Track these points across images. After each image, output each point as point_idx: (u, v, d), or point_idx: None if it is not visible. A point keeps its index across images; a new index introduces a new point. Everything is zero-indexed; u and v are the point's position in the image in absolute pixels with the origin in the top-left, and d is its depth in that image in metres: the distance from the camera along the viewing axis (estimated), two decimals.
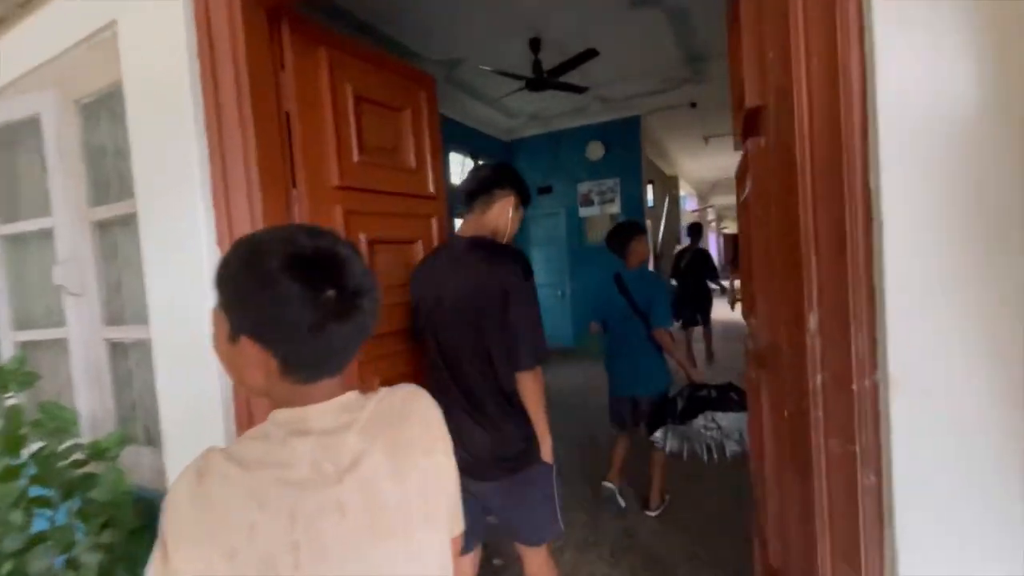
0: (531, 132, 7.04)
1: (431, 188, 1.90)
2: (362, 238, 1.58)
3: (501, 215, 1.46)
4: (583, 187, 6.86)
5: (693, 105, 6.25)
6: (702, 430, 2.25)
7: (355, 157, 1.60)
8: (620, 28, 4.08)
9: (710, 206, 14.53)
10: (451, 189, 3.56)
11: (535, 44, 4.19)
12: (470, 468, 1.29)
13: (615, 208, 6.70)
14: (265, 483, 0.57)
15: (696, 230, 5.94)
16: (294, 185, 1.43)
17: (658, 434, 2.39)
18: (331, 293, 0.58)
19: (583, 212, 6.88)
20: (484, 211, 1.46)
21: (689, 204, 14.07)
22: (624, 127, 6.54)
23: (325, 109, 1.51)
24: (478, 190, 1.47)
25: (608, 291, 2.58)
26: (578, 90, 4.41)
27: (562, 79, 4.27)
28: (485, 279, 1.35)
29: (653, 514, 2.55)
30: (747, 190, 1.35)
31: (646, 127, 6.75)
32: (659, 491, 2.60)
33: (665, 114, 6.58)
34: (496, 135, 7.01)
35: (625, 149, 6.57)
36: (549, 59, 4.20)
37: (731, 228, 23.75)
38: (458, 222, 1.70)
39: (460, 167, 6.44)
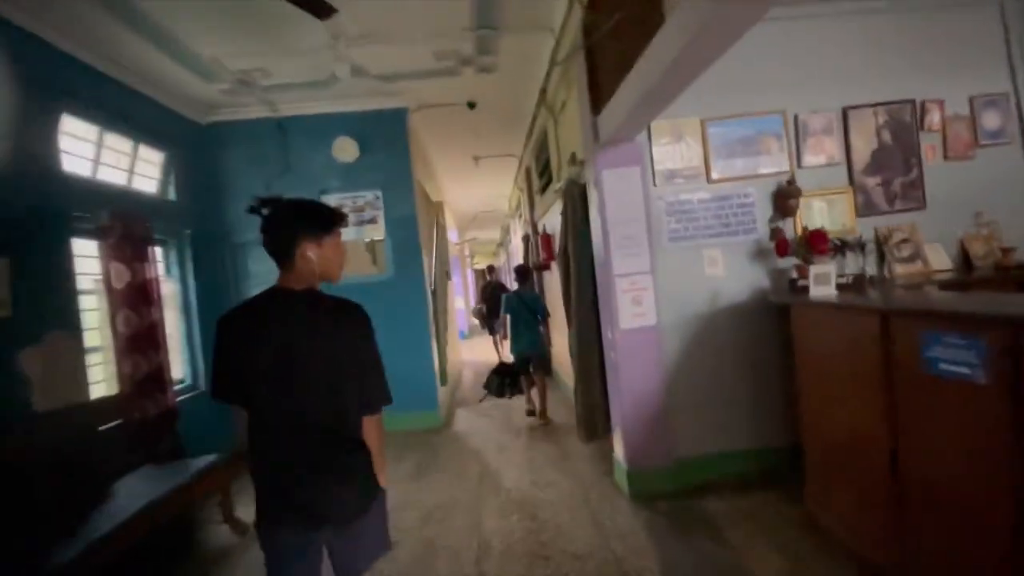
0: (244, 114, 4.69)
1: None
2: None
3: (310, 263, 1.38)
4: (329, 201, 4.84)
5: (471, 106, 5.02)
6: None
7: None
8: None
9: (469, 240, 13.97)
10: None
11: None
12: (332, 516, 1.37)
13: (378, 232, 4.90)
14: None
15: (524, 273, 5.29)
16: None
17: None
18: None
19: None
20: (292, 266, 1.38)
21: (450, 235, 13.20)
22: (387, 121, 4.85)
23: None
24: (275, 251, 1.38)
25: (514, 301, 5.02)
26: (320, 9, 2.53)
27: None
28: (336, 334, 1.37)
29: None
30: None
31: (413, 130, 5.21)
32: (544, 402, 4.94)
33: (436, 116, 5.19)
34: (187, 112, 4.42)
35: (389, 151, 4.88)
36: None
37: (482, 263, 24.59)
38: None
39: (130, 158, 3.68)
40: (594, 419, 3.67)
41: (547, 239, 5.50)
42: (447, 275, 8.29)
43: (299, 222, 1.36)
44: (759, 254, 3.09)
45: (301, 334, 1.32)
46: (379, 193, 4.87)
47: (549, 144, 5.06)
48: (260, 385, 1.32)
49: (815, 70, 3.12)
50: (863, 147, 3.14)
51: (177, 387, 4.09)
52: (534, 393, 5.00)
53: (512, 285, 5.58)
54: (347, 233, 4.79)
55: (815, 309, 2.41)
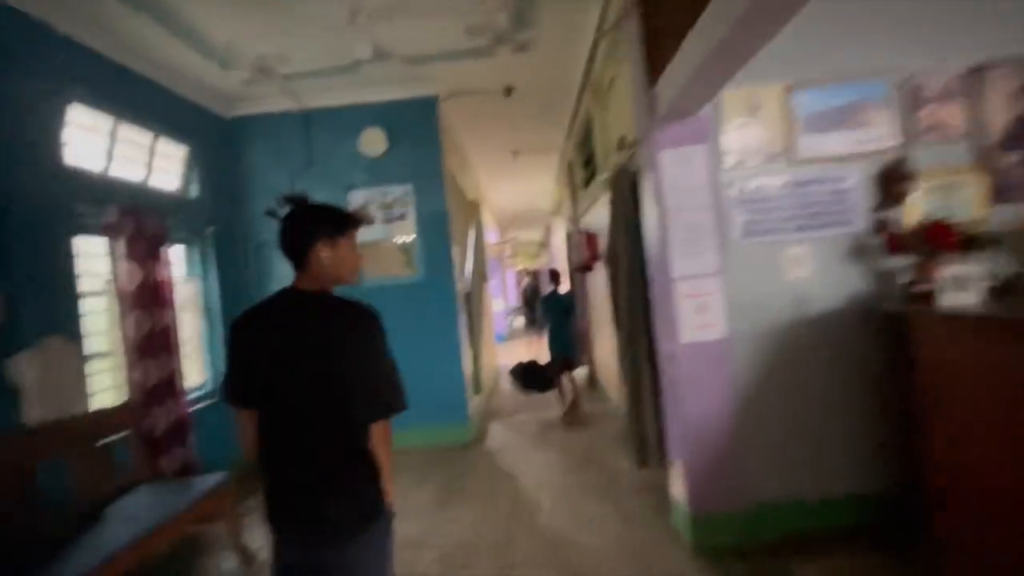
0: (268, 107, 4.46)
1: None
2: None
3: (324, 265, 1.36)
4: (357, 197, 4.54)
5: (508, 92, 4.60)
6: None
7: None
8: None
9: (509, 240, 13.58)
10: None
11: None
12: (331, 529, 1.29)
13: (408, 231, 4.54)
14: None
15: (556, 276, 5.50)
16: None
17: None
18: None
19: (361, 237, 4.52)
20: (307, 268, 1.36)
21: (490, 234, 12.85)
22: (416, 111, 4.49)
23: None
24: (290, 252, 1.37)
25: (549, 303, 5.26)
26: None
27: None
28: (343, 337, 1.30)
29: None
30: None
31: (445, 120, 4.83)
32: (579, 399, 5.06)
33: (469, 104, 4.79)
34: (209, 105, 4.23)
35: (419, 144, 4.52)
36: None
37: (523, 264, 24.16)
38: None
39: (148, 152, 3.48)
40: (647, 445, 3.14)
41: (590, 237, 4.99)
42: (484, 277, 7.91)
43: (313, 223, 1.36)
44: (857, 252, 2.49)
45: (306, 337, 1.29)
46: (409, 188, 4.52)
47: (594, 132, 4.56)
48: (266, 389, 1.31)
49: (933, 18, 2.48)
50: (997, 115, 2.48)
51: (195, 394, 3.87)
52: (567, 390, 5.13)
53: (548, 288, 5.81)
54: (375, 232, 4.48)
55: (951, 321, 1.82)
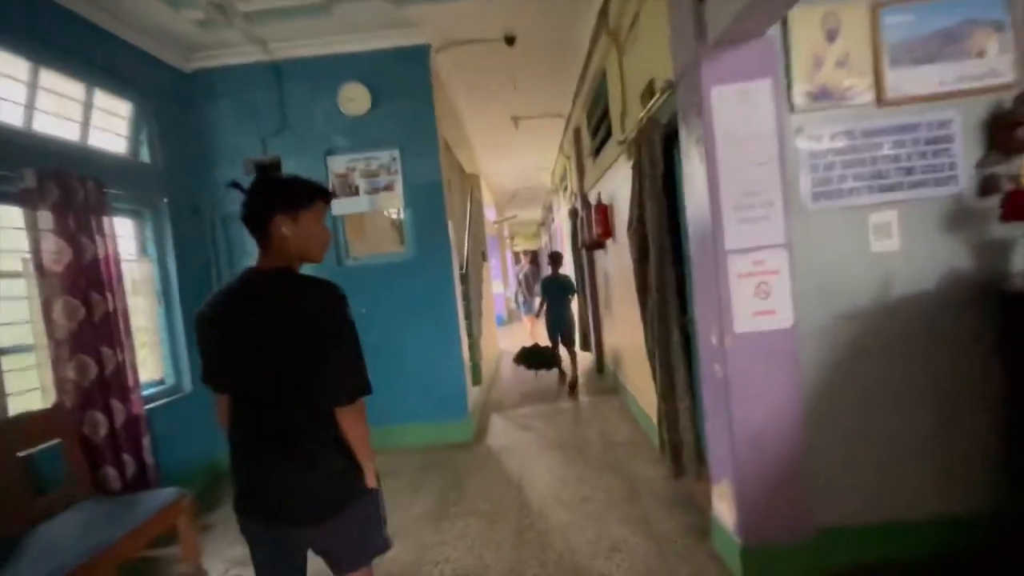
0: (233, 58, 3.84)
1: None
2: None
3: (286, 240, 1.28)
4: (337, 163, 3.97)
5: (510, 41, 3.99)
6: None
7: None
8: None
9: (508, 218, 12.98)
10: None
11: None
12: (293, 516, 1.27)
13: (395, 200, 3.98)
14: None
15: (556, 259, 5.71)
16: None
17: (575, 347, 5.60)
18: None
19: (340, 208, 3.98)
20: (269, 244, 1.30)
21: (488, 212, 12.26)
22: (404, 63, 3.89)
23: None
24: (250, 227, 1.30)
25: (549, 284, 5.54)
26: None
27: None
28: (302, 316, 1.22)
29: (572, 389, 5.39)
30: None
31: (438, 74, 4.24)
32: (575, 374, 5.46)
33: (465, 57, 4.19)
34: (162, 54, 3.61)
35: (408, 101, 3.93)
36: None
37: (523, 246, 23.56)
38: None
39: (82, 107, 2.88)
40: (684, 451, 2.66)
41: (602, 210, 4.45)
42: (483, 256, 7.37)
43: (272, 196, 1.27)
44: (960, 218, 1.97)
45: (266, 320, 1.22)
46: (396, 153, 3.94)
47: (608, 89, 3.98)
48: (230, 371, 1.29)
49: None
50: None
51: (152, 390, 3.36)
52: (566, 366, 5.70)
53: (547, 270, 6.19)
54: (358, 204, 3.92)
55: None
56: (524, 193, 11.81)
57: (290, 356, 1.20)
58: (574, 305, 5.75)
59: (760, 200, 1.92)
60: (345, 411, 1.24)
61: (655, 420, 3.05)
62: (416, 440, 4.01)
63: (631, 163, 3.26)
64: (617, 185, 4.01)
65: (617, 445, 3.66)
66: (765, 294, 1.92)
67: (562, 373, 5.73)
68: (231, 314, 1.25)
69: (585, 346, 6.54)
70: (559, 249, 8.76)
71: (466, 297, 5.16)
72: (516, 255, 20.67)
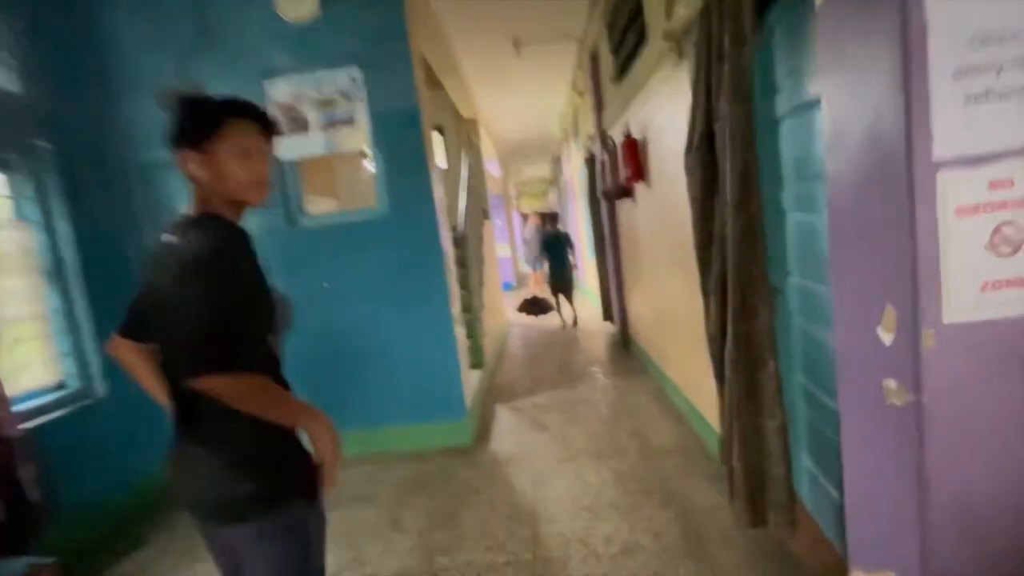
0: None
1: None
2: None
3: (199, 180, 1.05)
4: (279, 89, 2.98)
5: None
6: None
7: None
8: None
9: (512, 175, 11.84)
10: None
11: None
12: (196, 507, 1.07)
13: (359, 136, 3.01)
14: None
15: (555, 217, 6.93)
16: None
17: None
18: None
19: (287, 149, 3.02)
20: (188, 180, 1.07)
21: (491, 167, 11.16)
22: None
23: None
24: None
25: (552, 240, 6.36)
26: None
27: None
28: (171, 275, 0.98)
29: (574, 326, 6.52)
30: None
31: None
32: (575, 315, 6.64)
33: None
34: None
35: (370, 1, 2.90)
36: None
37: (530, 206, 22.38)
38: None
39: None
40: (768, 493, 1.77)
41: (631, 147, 3.44)
42: (484, 213, 6.39)
43: (172, 125, 1.04)
44: None
45: (159, 273, 1.02)
46: (356, 73, 2.94)
47: None
48: (151, 333, 1.13)
49: None
50: None
51: (43, 400, 2.53)
52: (564, 312, 6.72)
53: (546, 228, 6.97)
54: (311, 144, 2.96)
55: None
56: (531, 145, 10.67)
57: (164, 321, 1.00)
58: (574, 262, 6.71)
59: (1015, 53, 0.93)
60: (211, 388, 0.92)
61: (718, 433, 2.17)
62: (401, 446, 3.19)
63: (683, 63, 2.26)
64: (654, 109, 2.99)
65: (659, 452, 2.80)
66: (1013, 247, 0.97)
67: (562, 319, 6.72)
68: (147, 267, 1.08)
69: (607, 315, 5.64)
70: (571, 207, 9.30)
71: (462, 263, 4.25)
72: (524, 216, 19.57)
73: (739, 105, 1.59)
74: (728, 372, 1.78)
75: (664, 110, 2.81)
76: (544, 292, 6.71)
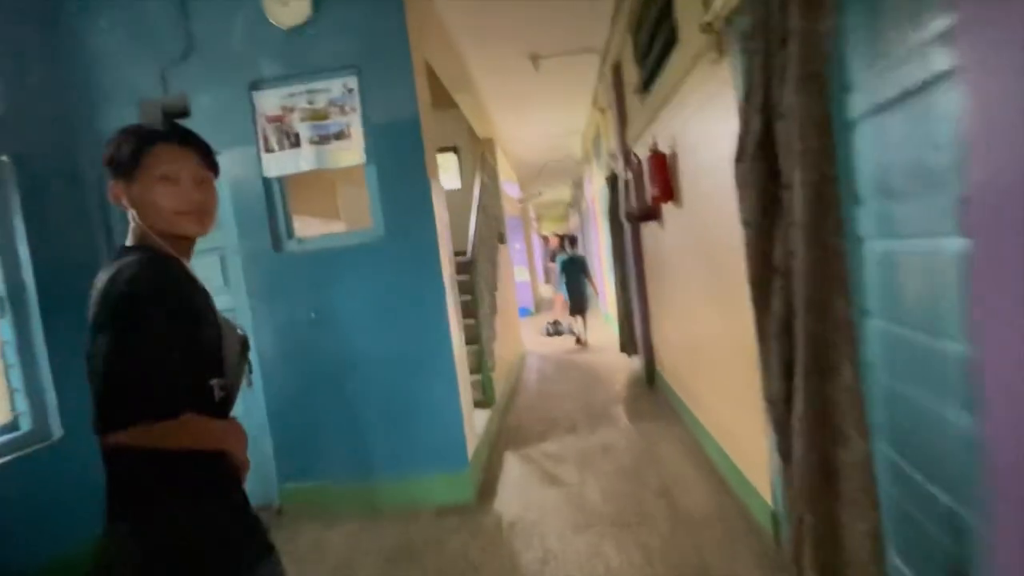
0: None
1: None
2: None
3: (126, 207, 1.00)
4: (268, 101, 2.71)
5: None
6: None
7: None
8: None
9: (532, 196, 11.56)
10: None
11: None
12: None
13: (353, 152, 2.70)
14: None
15: (573, 240, 7.61)
16: None
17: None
18: None
19: (271, 164, 2.73)
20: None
21: (509, 190, 10.90)
22: None
23: None
24: None
25: (568, 264, 6.92)
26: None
27: None
28: (92, 306, 0.95)
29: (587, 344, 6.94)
30: None
31: None
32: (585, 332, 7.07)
33: None
34: None
35: (366, 2, 2.63)
36: None
37: (550, 229, 22.09)
38: None
39: None
40: None
41: (659, 162, 3.06)
42: (500, 238, 6.06)
43: (104, 155, 1.00)
44: None
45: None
46: (352, 82, 2.65)
47: None
48: None
49: None
50: None
51: None
52: (579, 329, 7.06)
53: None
54: (299, 159, 2.67)
55: None
56: (552, 167, 10.39)
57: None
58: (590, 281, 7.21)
59: None
60: (119, 444, 0.86)
61: (771, 506, 1.72)
62: (394, 501, 2.78)
63: (724, 61, 1.89)
64: (686, 119, 2.62)
65: (694, 521, 2.33)
66: None
67: (579, 339, 7.11)
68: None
69: (630, 348, 5.18)
70: (592, 231, 9.40)
71: (470, 290, 3.89)
72: (544, 239, 19.25)
73: (813, 95, 1.20)
74: (798, 449, 1.35)
75: (698, 119, 2.43)
76: (564, 314, 7.37)
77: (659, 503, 2.54)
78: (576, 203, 13.42)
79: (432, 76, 4.50)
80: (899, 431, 1.35)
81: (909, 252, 1.23)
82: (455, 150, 7.18)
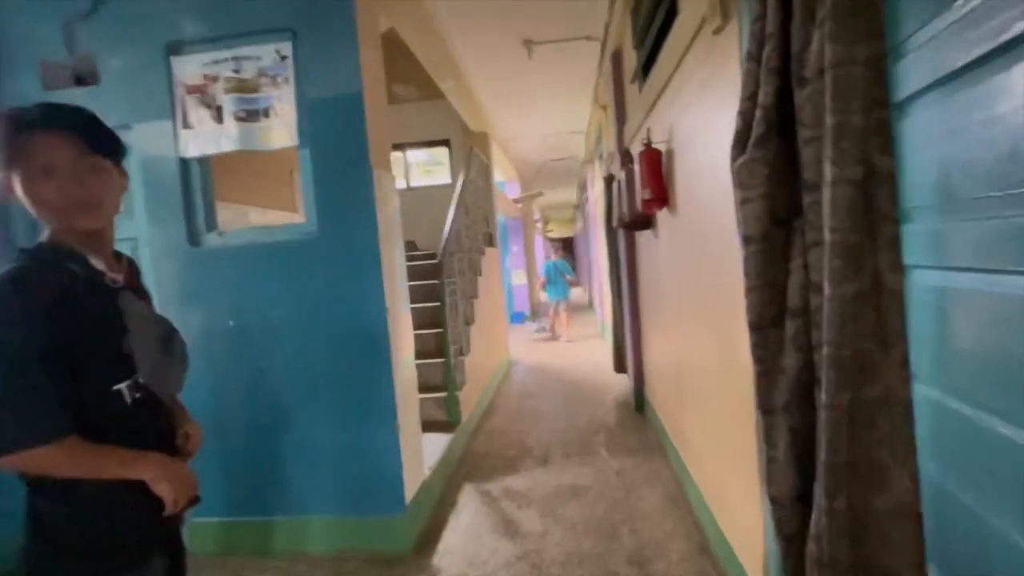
0: None
1: None
2: None
3: (22, 202, 0.93)
4: (188, 68, 2.29)
5: None
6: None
7: None
8: None
9: (532, 195, 11.09)
10: None
11: None
12: None
13: (284, 130, 2.27)
14: None
15: (563, 245, 9.24)
16: None
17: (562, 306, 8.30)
18: None
19: (189, 142, 2.30)
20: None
21: (510, 191, 10.46)
22: None
23: None
24: None
25: (550, 266, 8.35)
26: None
27: None
28: None
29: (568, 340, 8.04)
30: None
31: None
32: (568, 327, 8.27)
33: None
34: None
35: None
36: None
37: (558, 232, 21.60)
38: None
39: None
40: None
41: (652, 160, 2.60)
42: (488, 239, 5.63)
43: None
44: None
45: None
46: (286, 47, 2.22)
47: None
48: None
49: None
50: None
51: None
52: (556, 324, 8.39)
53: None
54: (220, 138, 2.24)
55: None
56: (556, 167, 9.93)
57: None
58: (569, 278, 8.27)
59: None
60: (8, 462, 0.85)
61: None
62: (321, 545, 2.35)
63: (728, 27, 1.45)
64: (683, 105, 2.16)
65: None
66: None
67: (553, 330, 8.51)
68: None
69: (619, 366, 4.72)
70: (593, 235, 9.10)
71: (439, 298, 3.45)
72: (553, 242, 18.77)
73: (859, 40, 0.74)
74: (821, 556, 0.89)
75: (696, 104, 1.97)
76: (559, 324, 8.33)
77: (630, 573, 2.08)
78: (581, 206, 12.96)
79: (412, 58, 4.08)
80: (956, 549, 0.89)
81: (979, 291, 0.77)
82: (447, 144, 6.75)
